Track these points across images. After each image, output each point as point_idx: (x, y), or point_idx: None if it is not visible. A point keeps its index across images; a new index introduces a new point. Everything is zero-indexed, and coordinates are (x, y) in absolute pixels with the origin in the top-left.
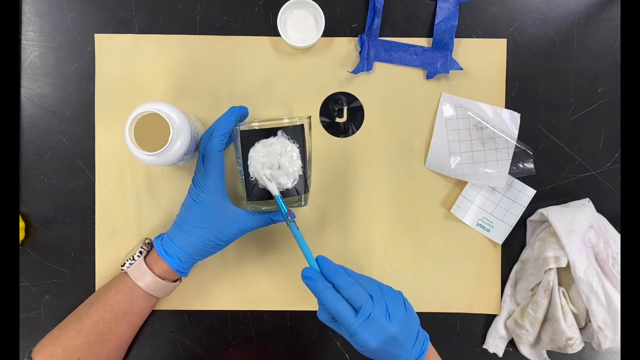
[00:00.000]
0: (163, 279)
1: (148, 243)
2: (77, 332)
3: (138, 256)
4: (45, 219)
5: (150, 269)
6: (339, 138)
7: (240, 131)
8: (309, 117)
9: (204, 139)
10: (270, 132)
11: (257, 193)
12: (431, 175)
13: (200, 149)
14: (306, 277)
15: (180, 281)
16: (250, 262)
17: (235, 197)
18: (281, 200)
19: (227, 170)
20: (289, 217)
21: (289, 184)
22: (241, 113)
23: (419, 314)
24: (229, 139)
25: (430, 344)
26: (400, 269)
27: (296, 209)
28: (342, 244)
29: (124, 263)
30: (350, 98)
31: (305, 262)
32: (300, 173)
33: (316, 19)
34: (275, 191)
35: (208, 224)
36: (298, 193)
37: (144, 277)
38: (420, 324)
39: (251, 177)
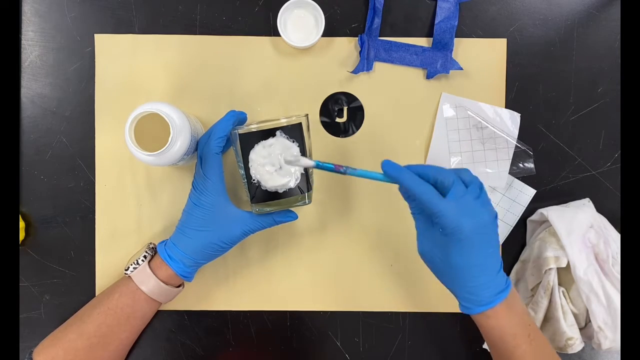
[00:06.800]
0: (167, 283)
1: (152, 248)
2: (79, 335)
3: (142, 260)
4: (45, 219)
5: (154, 273)
6: (339, 138)
7: (239, 134)
8: (307, 115)
9: (202, 142)
10: (268, 133)
11: (261, 195)
12: None
13: (199, 152)
14: (386, 164)
15: (183, 286)
16: (251, 262)
17: (237, 201)
18: (322, 164)
19: (227, 174)
20: (342, 169)
21: (291, 183)
22: (239, 118)
23: (420, 313)
24: (227, 143)
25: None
26: (400, 269)
27: (299, 208)
28: (343, 244)
29: (128, 267)
30: (350, 98)
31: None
32: (302, 171)
33: (316, 19)
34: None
35: (211, 226)
36: (301, 192)
37: (147, 281)
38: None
39: (254, 180)
